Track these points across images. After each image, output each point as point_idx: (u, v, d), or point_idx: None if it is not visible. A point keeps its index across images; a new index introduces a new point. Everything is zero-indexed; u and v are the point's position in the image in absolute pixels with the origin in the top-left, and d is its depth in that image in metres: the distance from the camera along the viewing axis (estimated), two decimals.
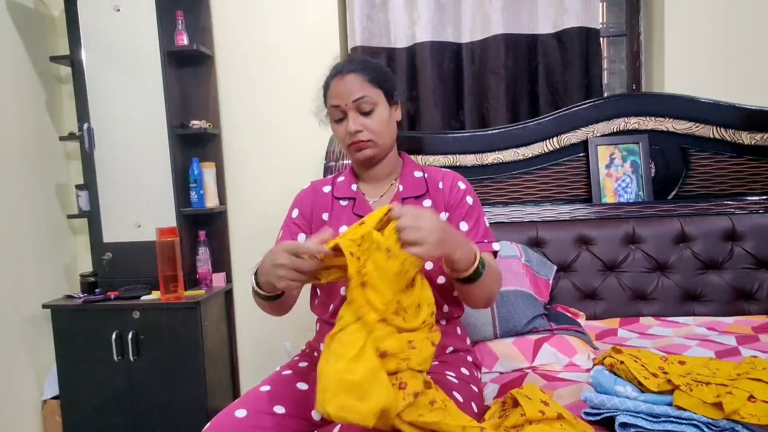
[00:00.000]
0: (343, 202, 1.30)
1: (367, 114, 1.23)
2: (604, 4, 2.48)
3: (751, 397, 0.98)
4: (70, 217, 2.43)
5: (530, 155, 2.11)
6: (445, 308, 1.24)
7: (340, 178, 1.36)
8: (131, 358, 2.14)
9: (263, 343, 2.44)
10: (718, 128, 2.01)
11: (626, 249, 1.98)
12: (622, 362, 1.14)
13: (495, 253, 1.24)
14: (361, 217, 1.04)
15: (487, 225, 1.28)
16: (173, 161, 2.25)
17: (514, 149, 2.11)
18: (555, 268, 1.97)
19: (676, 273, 1.95)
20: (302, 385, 1.17)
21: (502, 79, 2.27)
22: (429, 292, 1.00)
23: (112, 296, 2.19)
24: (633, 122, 2.07)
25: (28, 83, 2.33)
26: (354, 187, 1.32)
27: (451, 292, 1.23)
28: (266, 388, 1.15)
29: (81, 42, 2.24)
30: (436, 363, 1.18)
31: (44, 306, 2.21)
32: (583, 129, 2.09)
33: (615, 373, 1.16)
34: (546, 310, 1.74)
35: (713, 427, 0.99)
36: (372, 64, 1.27)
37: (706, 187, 2.05)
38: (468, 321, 1.55)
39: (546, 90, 2.27)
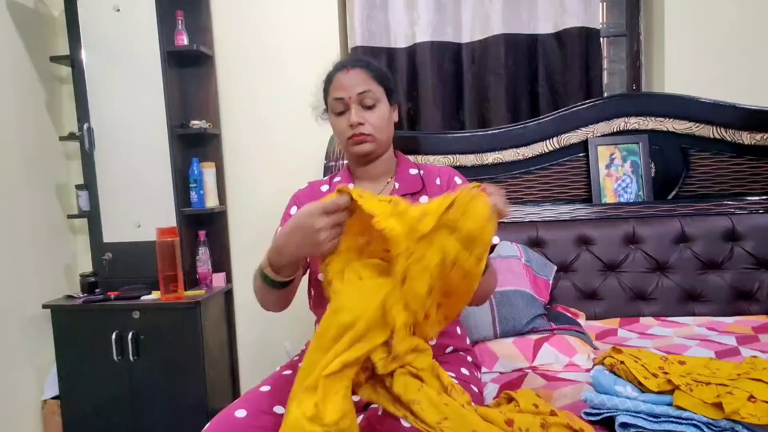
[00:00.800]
0: None
1: (369, 108, 1.25)
2: (605, 4, 2.48)
3: (751, 397, 0.98)
4: (70, 217, 2.43)
5: (530, 155, 2.11)
6: None
7: (337, 178, 1.38)
8: (131, 358, 2.14)
9: (263, 344, 2.44)
10: (718, 128, 2.01)
11: (626, 249, 1.98)
12: (622, 362, 1.14)
13: (493, 247, 1.23)
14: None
15: None
16: (173, 161, 2.25)
17: (515, 149, 2.11)
18: (555, 268, 1.97)
19: (676, 273, 1.95)
20: None
21: (502, 79, 2.27)
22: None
23: (112, 296, 2.19)
24: (633, 122, 2.07)
25: (28, 83, 2.33)
26: (351, 185, 1.32)
27: None
28: (266, 388, 1.15)
29: (81, 42, 2.24)
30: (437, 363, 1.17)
31: (44, 306, 2.21)
32: (583, 129, 2.09)
33: (615, 373, 1.16)
34: (546, 310, 1.74)
35: (713, 427, 0.99)
36: (376, 64, 1.32)
37: (706, 187, 2.05)
38: (468, 321, 1.55)
39: (546, 90, 2.27)
